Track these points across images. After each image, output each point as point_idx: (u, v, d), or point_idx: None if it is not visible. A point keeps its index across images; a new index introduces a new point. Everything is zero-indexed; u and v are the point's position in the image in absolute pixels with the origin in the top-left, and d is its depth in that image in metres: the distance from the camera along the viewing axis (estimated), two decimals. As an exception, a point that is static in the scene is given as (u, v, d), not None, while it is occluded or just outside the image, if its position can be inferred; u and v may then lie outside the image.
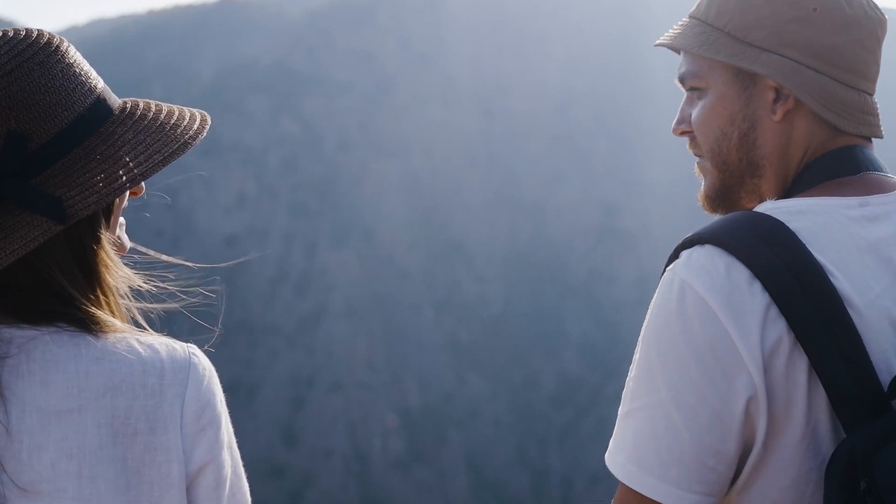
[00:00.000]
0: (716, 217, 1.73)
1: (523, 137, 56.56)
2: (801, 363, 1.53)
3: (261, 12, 73.53)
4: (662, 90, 49.53)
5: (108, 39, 70.30)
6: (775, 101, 1.73)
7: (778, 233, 1.58)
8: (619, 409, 1.68)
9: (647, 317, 1.62)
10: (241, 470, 1.60)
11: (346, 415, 46.57)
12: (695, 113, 1.81)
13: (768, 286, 1.54)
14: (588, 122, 57.38)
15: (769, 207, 1.66)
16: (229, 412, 1.60)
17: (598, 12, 61.55)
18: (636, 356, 1.64)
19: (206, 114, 1.66)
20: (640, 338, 1.63)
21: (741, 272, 1.56)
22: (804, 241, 1.58)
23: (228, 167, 53.46)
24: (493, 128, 56.95)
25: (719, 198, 1.83)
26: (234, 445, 1.60)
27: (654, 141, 52.69)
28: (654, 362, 1.58)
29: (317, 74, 57.42)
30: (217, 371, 1.58)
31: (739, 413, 1.53)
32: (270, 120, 55.47)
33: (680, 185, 49.48)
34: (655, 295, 1.63)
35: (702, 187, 1.87)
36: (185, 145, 1.57)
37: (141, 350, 1.51)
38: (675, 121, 1.86)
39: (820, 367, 1.52)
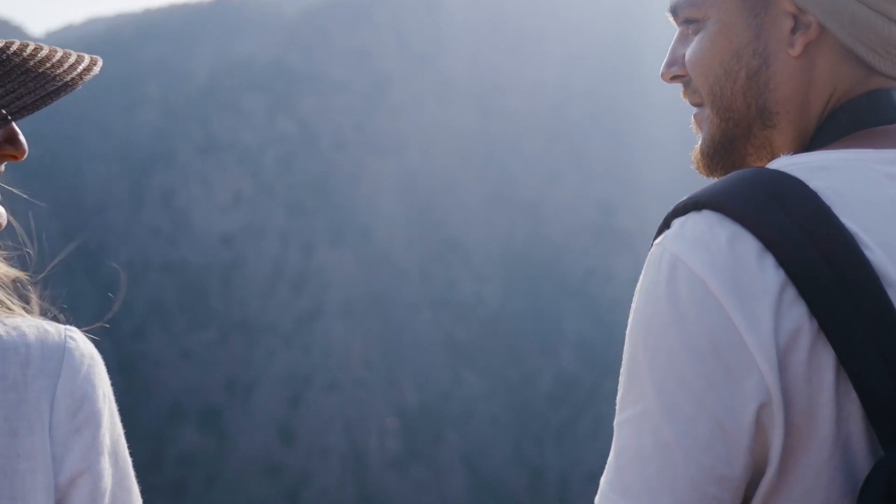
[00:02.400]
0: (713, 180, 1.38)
1: (520, 136, 56.52)
2: (827, 359, 1.19)
3: (257, 11, 73.48)
4: (659, 89, 49.22)
5: (105, 38, 70.23)
6: (793, 30, 1.38)
7: (795, 193, 1.24)
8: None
9: (634, 304, 1.29)
10: (131, 482, 1.31)
11: (342, 413, 46.54)
12: (689, 50, 1.45)
13: (784, 260, 1.20)
14: (585, 122, 57.34)
15: (784, 164, 1.32)
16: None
17: (596, 12, 61.50)
18: (625, 352, 1.32)
19: (97, 58, 1.38)
20: (628, 331, 1.31)
21: (749, 243, 1.22)
22: (829, 204, 1.24)
23: (225, 166, 53.46)
24: (490, 127, 56.90)
25: (719, 153, 1.46)
26: (123, 451, 1.31)
27: (652, 140, 52.65)
28: (641, 362, 1.24)
29: (313, 73, 57.36)
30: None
31: (748, 425, 1.19)
32: (267, 118, 55.44)
33: (677, 183, 49.40)
34: (642, 276, 1.31)
35: (698, 143, 1.50)
36: (50, 95, 1.28)
37: (3, 333, 1.25)
38: (664, 64, 1.49)
39: (851, 365, 1.18)
